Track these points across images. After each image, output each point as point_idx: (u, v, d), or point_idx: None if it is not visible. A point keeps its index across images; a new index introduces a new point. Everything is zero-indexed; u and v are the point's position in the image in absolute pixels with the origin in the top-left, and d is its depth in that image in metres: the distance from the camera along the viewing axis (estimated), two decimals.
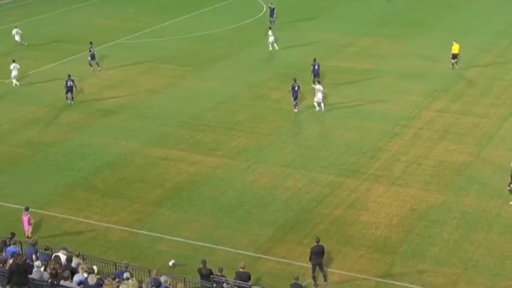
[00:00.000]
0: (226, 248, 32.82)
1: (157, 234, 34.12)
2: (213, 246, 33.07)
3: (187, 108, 49.13)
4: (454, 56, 55.03)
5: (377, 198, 36.98)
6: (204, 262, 28.68)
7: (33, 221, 33.92)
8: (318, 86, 47.44)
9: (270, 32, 61.55)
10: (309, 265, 30.40)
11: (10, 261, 26.28)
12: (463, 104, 49.04)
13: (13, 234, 29.74)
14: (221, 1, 79.66)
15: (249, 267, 28.97)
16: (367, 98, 50.26)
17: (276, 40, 61.26)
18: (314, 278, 30.33)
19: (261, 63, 58.12)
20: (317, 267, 30.28)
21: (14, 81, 54.17)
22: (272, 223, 34.94)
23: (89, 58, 57.66)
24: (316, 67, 52.06)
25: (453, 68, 55.17)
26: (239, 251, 32.52)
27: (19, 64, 54.74)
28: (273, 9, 68.52)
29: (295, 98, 48.14)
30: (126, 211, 36.32)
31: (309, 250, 30.61)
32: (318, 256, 30.20)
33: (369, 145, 42.82)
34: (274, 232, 34.17)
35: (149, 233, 34.35)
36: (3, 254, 27.72)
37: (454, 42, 55.30)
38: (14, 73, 54.17)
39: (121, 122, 47.65)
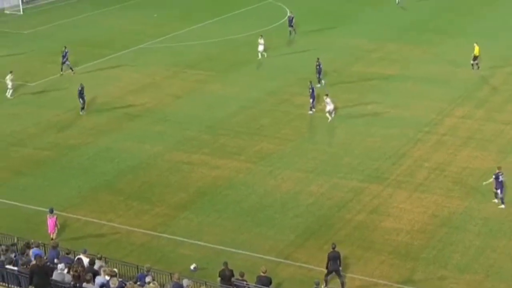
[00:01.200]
0: (247, 253, 32.97)
1: (180, 238, 34.32)
2: (234, 250, 33.20)
3: (210, 113, 49.33)
4: (475, 58, 55.07)
5: (399, 204, 36.97)
6: (225, 264, 28.88)
7: (58, 224, 34.22)
8: (327, 99, 47.01)
9: (261, 40, 60.39)
10: None
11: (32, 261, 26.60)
12: (487, 110, 48.84)
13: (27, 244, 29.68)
14: (245, 6, 79.83)
15: (270, 272, 29.07)
16: (391, 103, 50.25)
17: (265, 49, 60.49)
18: (326, 281, 30.47)
19: (284, 68, 58.18)
20: (334, 273, 30.38)
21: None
22: (294, 228, 35.04)
23: (63, 61, 57.79)
24: (321, 66, 53.16)
25: (472, 68, 55.11)
26: (261, 256, 32.64)
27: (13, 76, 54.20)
28: (292, 18, 67.60)
29: (313, 101, 48.89)
30: (149, 215, 36.55)
31: None
32: (334, 262, 30.30)
33: (392, 151, 42.79)
34: (295, 237, 34.27)
35: (172, 236, 34.55)
36: (26, 256, 27.93)
37: (475, 44, 55.38)
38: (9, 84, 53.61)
39: (145, 126, 47.93)
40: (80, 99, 49.33)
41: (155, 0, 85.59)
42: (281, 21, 72.88)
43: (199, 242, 33.43)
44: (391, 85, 54.14)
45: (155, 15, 77.53)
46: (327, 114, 47.04)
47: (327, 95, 47.36)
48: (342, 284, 30.51)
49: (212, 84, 55.47)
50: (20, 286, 26.14)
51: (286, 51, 62.95)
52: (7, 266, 26.58)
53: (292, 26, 67.17)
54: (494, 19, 72.99)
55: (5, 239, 30.90)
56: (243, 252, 32.94)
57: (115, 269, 27.67)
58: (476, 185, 38.52)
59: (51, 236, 33.74)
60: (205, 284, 27.84)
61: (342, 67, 58.33)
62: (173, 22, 74.41)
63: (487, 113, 48.38)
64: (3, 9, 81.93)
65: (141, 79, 56.91)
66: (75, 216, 36.32)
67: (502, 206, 36.35)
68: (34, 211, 37.10)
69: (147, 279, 26.39)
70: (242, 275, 28.01)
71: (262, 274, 28.13)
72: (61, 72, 57.64)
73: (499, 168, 36.83)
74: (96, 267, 27.03)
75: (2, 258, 27.31)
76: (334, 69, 57.71)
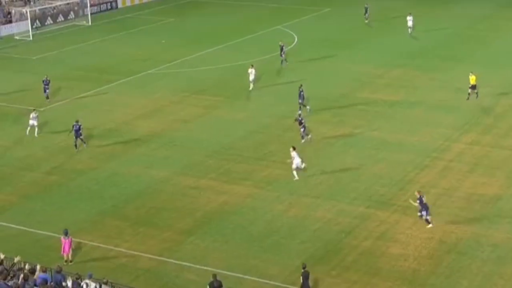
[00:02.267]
0: (254, 278, 32.91)
1: (186, 263, 34.27)
2: (241, 275, 33.15)
3: (218, 138, 49.45)
4: (473, 87, 54.96)
5: (406, 230, 36.89)
6: (214, 276, 29.41)
7: (73, 245, 34.48)
8: (293, 153, 42.68)
9: (250, 70, 59.42)
10: None
11: None
12: (494, 137, 48.84)
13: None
14: (254, 32, 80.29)
15: None
16: (398, 129, 50.32)
17: (255, 80, 59.66)
18: None
19: (292, 94, 58.18)
20: None
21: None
22: (301, 254, 34.96)
23: (46, 88, 57.78)
24: (302, 92, 53.40)
25: (468, 98, 54.93)
26: (268, 281, 32.60)
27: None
28: (283, 47, 66.75)
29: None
30: (156, 240, 36.55)
31: (338, 281, 30.94)
32: (307, 280, 30.88)
33: (399, 177, 42.78)
34: (302, 263, 34.09)
35: (178, 262, 34.50)
36: (32, 280, 27.92)
37: (470, 74, 55.30)
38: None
39: (153, 151, 48.05)
40: (77, 137, 47.55)
41: (164, 26, 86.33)
42: (290, 47, 73.22)
43: (205, 267, 33.34)
44: (397, 111, 54.23)
45: (163, 41, 78.01)
46: (294, 172, 42.60)
47: (294, 148, 43.02)
48: None
49: (220, 110, 55.65)
50: None
51: (293, 77, 63.00)
52: None
53: (282, 55, 66.48)
54: (501, 46, 73.27)
55: (12, 263, 30.83)
56: (250, 277, 32.88)
57: None
58: (483, 211, 38.49)
59: (65, 257, 33.99)
60: None
61: (349, 93, 58.50)
62: (181, 48, 74.83)
63: (494, 139, 48.37)
64: (13, 35, 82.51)
65: (148, 105, 57.13)
66: (82, 240, 36.28)
67: (430, 225, 36.83)
68: (43, 236, 37.16)
69: None
70: None
71: None
72: (48, 100, 57.59)
73: (419, 191, 37.32)
74: None
75: (10, 283, 27.29)
76: (341, 94, 57.93)
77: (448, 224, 37.30)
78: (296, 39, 76.85)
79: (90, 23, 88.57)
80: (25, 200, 41.49)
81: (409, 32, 75.63)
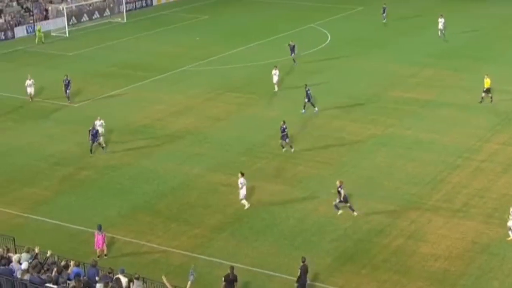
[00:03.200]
0: (284, 276, 32.99)
1: (217, 260, 34.52)
2: (271, 273, 33.31)
3: (250, 136, 49.69)
4: (487, 90, 54.18)
5: (437, 229, 36.84)
6: (232, 268, 29.69)
7: (107, 240, 34.93)
8: (241, 179, 39.47)
9: (274, 71, 58.56)
10: None
11: (72, 282, 26.94)
12: None
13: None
14: (287, 30, 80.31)
15: None
16: (429, 129, 50.18)
17: (279, 82, 59.01)
18: None
19: (323, 92, 58.33)
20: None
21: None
22: (331, 252, 35.09)
23: (67, 89, 57.58)
24: (309, 92, 53.29)
25: (481, 102, 54.38)
26: None
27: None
28: (293, 46, 66.72)
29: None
30: (187, 236, 36.86)
31: (367, 280, 31.23)
32: (305, 275, 31.13)
33: (431, 177, 42.70)
34: (332, 261, 34.32)
35: (209, 258, 34.79)
36: (66, 274, 28.32)
37: (485, 76, 54.55)
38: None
39: (186, 147, 48.41)
40: (94, 141, 47.19)
41: (198, 23, 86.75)
42: (323, 45, 73.34)
43: (236, 264, 33.29)
44: (429, 111, 54.05)
45: (197, 38, 78.37)
46: (244, 202, 39.92)
47: (242, 174, 39.72)
48: None
49: (253, 107, 55.87)
50: None
51: (325, 75, 63.20)
52: (48, 285, 26.97)
53: (293, 54, 66.51)
54: None
55: (46, 256, 31.32)
56: (280, 275, 33.01)
57: None
58: None
59: (98, 252, 34.43)
60: None
61: (381, 92, 58.43)
62: (215, 45, 75.15)
63: None
64: (49, 31, 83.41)
65: (182, 101, 57.52)
66: (114, 235, 36.69)
67: (354, 213, 38.18)
68: (75, 230, 37.67)
69: None
70: None
71: None
72: (69, 102, 57.52)
73: (340, 181, 38.38)
74: (134, 287, 27.32)
75: (44, 276, 27.73)
76: (373, 93, 57.89)
77: (480, 225, 37.19)
78: (329, 37, 76.83)
79: (125, 20, 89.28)
80: (59, 195, 42.03)
81: (440, 34, 74.83)
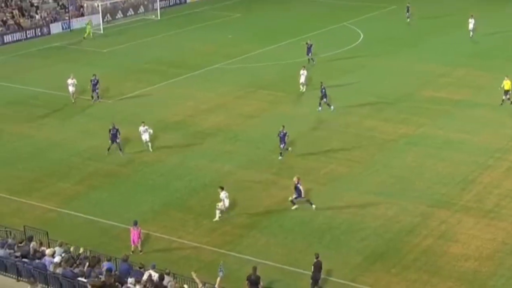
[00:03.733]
0: None
1: (246, 257, 34.75)
2: (301, 271, 33.43)
3: None
4: (506, 93, 53.64)
5: (467, 230, 36.79)
6: (254, 269, 29.71)
7: (142, 236, 35.33)
8: (222, 193, 38.26)
9: (302, 71, 58.04)
10: None
11: (103, 277, 27.30)
12: None
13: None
14: (320, 28, 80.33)
15: None
16: (461, 128, 50.03)
17: (306, 83, 58.25)
18: None
19: (355, 91, 58.40)
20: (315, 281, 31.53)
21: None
22: (360, 251, 35.19)
23: (94, 89, 57.31)
24: (324, 90, 53.56)
25: (502, 104, 53.89)
26: (327, 277, 32.79)
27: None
28: (311, 46, 66.43)
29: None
30: (218, 233, 37.15)
31: (397, 280, 31.50)
32: (318, 271, 31.29)
33: (461, 177, 42.60)
34: (362, 260, 34.40)
35: (239, 255, 35.03)
36: (97, 269, 28.70)
37: (506, 78, 54.00)
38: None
39: (217, 145, 48.71)
40: (113, 141, 47.01)
41: (230, 21, 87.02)
42: (355, 44, 73.29)
43: (265, 262, 33.71)
44: (461, 110, 53.87)
45: (230, 36, 78.64)
46: (217, 212, 38.53)
47: (222, 188, 38.52)
48: None
49: (283, 105, 56.00)
50: None
51: (357, 74, 63.22)
52: (80, 279, 27.38)
53: (309, 54, 66.25)
54: None
55: (78, 251, 31.76)
56: (310, 273, 32.87)
57: (185, 286, 28.17)
58: None
59: (133, 247, 34.80)
60: None
61: (413, 91, 58.33)
62: (247, 43, 75.39)
63: None
64: (84, 28, 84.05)
65: (214, 99, 57.85)
66: (146, 231, 37.01)
67: (295, 206, 38.92)
68: (107, 225, 38.14)
69: None
70: None
71: None
72: (93, 100, 57.36)
73: (298, 177, 38.96)
74: (164, 282, 27.62)
75: (76, 270, 28.15)
76: (405, 92, 57.79)
77: (511, 225, 37.06)
78: (361, 36, 76.72)
79: (159, 18, 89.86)
80: (91, 190, 42.54)
81: (470, 35, 74.26)
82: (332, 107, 53.83)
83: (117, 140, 47.01)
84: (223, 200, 38.09)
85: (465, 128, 50.10)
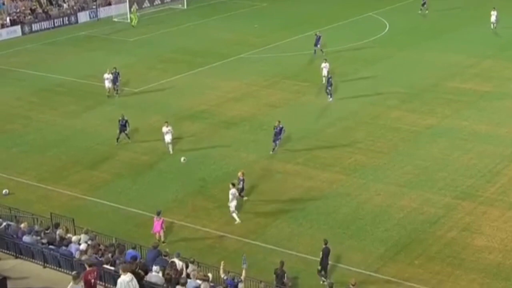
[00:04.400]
0: (337, 264, 33.22)
1: (271, 246, 34.88)
2: None
3: (306, 123, 49.86)
4: None
5: (492, 222, 36.65)
6: (282, 263, 29.66)
7: (165, 226, 35.44)
8: (232, 190, 37.56)
9: (324, 64, 57.02)
10: (418, 286, 31.29)
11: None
12: None
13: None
14: (346, 19, 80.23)
15: (360, 285, 29.19)
16: (487, 120, 49.78)
17: (329, 74, 55.86)
18: (322, 276, 31.72)
19: (381, 82, 58.27)
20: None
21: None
22: (384, 242, 35.18)
23: (110, 80, 56.35)
24: (331, 79, 54.06)
25: None
26: (350, 268, 32.89)
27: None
28: (319, 37, 66.34)
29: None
30: (242, 222, 37.22)
31: (420, 271, 31.53)
32: (326, 257, 31.47)
33: (487, 169, 42.41)
34: (386, 251, 34.40)
35: (263, 244, 35.16)
36: (123, 256, 28.94)
37: None
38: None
39: (242, 134, 48.85)
40: (122, 131, 47.22)
41: (257, 11, 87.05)
42: (381, 34, 73.05)
43: (290, 251, 33.80)
44: (487, 102, 53.55)
45: (256, 26, 78.66)
46: (234, 215, 37.62)
47: (233, 184, 37.84)
48: (326, 276, 31.74)
49: (309, 95, 55.99)
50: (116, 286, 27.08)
51: (383, 65, 63.08)
52: (105, 266, 27.62)
53: (318, 45, 66.18)
54: None
55: (104, 239, 32.10)
56: (333, 263, 33.11)
57: (210, 274, 28.35)
58: None
59: (157, 236, 34.94)
60: None
61: (438, 82, 58.09)
62: (273, 33, 75.41)
63: None
64: (111, 17, 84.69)
65: (239, 88, 57.96)
66: (170, 219, 37.29)
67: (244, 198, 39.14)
68: (132, 213, 38.41)
69: (240, 285, 26.89)
70: (331, 285, 28.26)
71: (351, 286, 28.29)
72: (116, 94, 56.82)
73: (242, 172, 39.15)
74: (189, 271, 27.77)
75: (101, 258, 28.39)
76: (431, 83, 57.59)
77: None
78: (387, 26, 76.44)
79: (185, 7, 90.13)
80: (117, 178, 42.86)
81: (492, 27, 73.61)
82: (331, 98, 53.97)
83: (126, 131, 47.26)
84: (232, 200, 37.24)
85: (491, 120, 49.84)
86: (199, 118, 51.78)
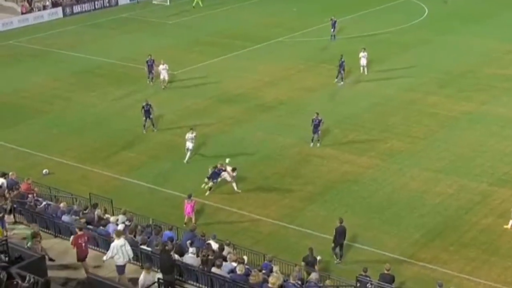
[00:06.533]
0: (372, 249, 33.36)
1: (306, 230, 35.06)
2: (359, 246, 33.69)
3: (342, 108, 49.89)
4: None
5: None
6: (311, 250, 29.71)
7: (196, 208, 35.73)
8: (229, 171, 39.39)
9: (363, 54, 56.25)
10: (453, 273, 31.27)
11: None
12: None
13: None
14: (384, 3, 79.70)
15: (394, 270, 29.19)
16: None
17: (368, 65, 56.50)
18: (335, 254, 32.15)
19: (419, 67, 57.98)
20: (338, 246, 32.04)
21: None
22: (419, 227, 35.19)
23: (150, 70, 55.78)
24: (343, 63, 53.85)
25: None
26: (385, 253, 33.00)
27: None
28: (335, 22, 66.23)
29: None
30: (277, 205, 37.52)
31: (455, 257, 31.58)
32: (341, 236, 31.69)
33: None
34: (420, 237, 34.43)
35: (298, 228, 35.34)
36: (160, 237, 29.33)
37: None
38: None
39: (278, 118, 48.99)
40: (147, 118, 46.90)
41: None
42: (420, 19, 72.59)
43: (324, 235, 33.82)
44: None
45: (295, 9, 78.54)
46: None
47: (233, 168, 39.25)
48: (341, 256, 32.13)
49: (346, 80, 55.67)
50: (153, 266, 27.45)
51: (421, 50, 62.79)
52: (142, 246, 28.02)
53: (334, 30, 66.14)
54: None
55: (141, 220, 32.54)
56: (368, 248, 33.36)
57: (245, 257, 28.64)
58: None
59: (186, 219, 35.18)
60: (328, 278, 28.53)
61: (476, 68, 57.72)
62: (311, 16, 75.23)
63: None
64: (151, 0, 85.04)
65: (276, 72, 58.04)
66: (207, 202, 37.69)
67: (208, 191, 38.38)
68: (169, 194, 38.78)
69: (274, 268, 27.17)
70: (365, 270, 28.31)
71: (385, 271, 28.44)
72: (149, 81, 56.02)
73: (221, 164, 38.51)
74: (224, 253, 28.08)
75: (138, 238, 28.81)
76: (468, 69, 57.19)
77: None
78: (426, 11, 75.87)
79: None
80: (155, 160, 43.26)
81: None
82: (342, 82, 54.06)
83: (150, 116, 46.93)
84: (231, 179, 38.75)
85: None
86: (236, 101, 52.00)
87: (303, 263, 29.12)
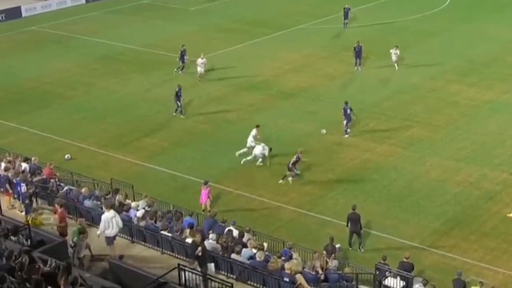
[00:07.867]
0: (392, 237, 33.36)
1: (326, 217, 35.13)
2: (379, 233, 33.71)
3: (363, 96, 49.79)
4: None
5: None
6: (331, 239, 29.83)
7: (211, 196, 35.71)
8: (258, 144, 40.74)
9: (395, 51, 54.81)
10: (473, 262, 31.16)
11: (187, 230, 28.09)
12: None
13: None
14: None
15: (413, 258, 29.29)
16: None
17: (399, 62, 55.22)
18: (350, 244, 32.18)
19: (440, 55, 57.74)
20: (354, 234, 32.10)
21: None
22: (439, 216, 35.17)
23: (183, 60, 55.22)
24: (358, 49, 54.01)
25: None
26: (404, 241, 33.00)
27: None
28: (348, 10, 66.05)
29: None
30: (298, 193, 37.60)
31: (475, 246, 31.52)
32: (354, 223, 31.84)
33: None
34: (440, 225, 34.41)
35: (318, 215, 35.43)
36: (180, 223, 29.57)
37: None
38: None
39: (299, 105, 49.02)
40: (177, 101, 47.09)
41: None
42: (442, 7, 72.20)
43: (344, 223, 33.62)
44: None
45: None
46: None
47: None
48: (360, 244, 32.10)
49: (367, 68, 55.65)
50: (173, 252, 27.74)
51: (442, 38, 62.48)
52: (162, 232, 28.22)
53: (347, 19, 65.98)
54: None
55: (162, 206, 32.77)
56: (388, 236, 33.39)
57: (265, 243, 28.77)
58: None
59: (203, 206, 35.25)
60: (347, 265, 28.64)
61: (499, 57, 57.44)
62: (333, 4, 74.76)
63: None
64: None
65: (297, 59, 58.03)
66: (227, 188, 37.85)
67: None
68: (190, 181, 38.92)
69: (294, 255, 27.30)
70: (384, 258, 28.40)
71: (405, 259, 28.51)
72: (179, 70, 55.42)
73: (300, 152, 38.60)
74: (244, 239, 28.23)
75: (158, 224, 29.01)
76: (491, 57, 56.86)
77: None
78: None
79: None
80: (176, 146, 43.46)
81: None
82: (358, 68, 54.56)
83: (179, 103, 47.01)
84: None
85: None
86: (257, 88, 52.08)
87: (324, 252, 29.13)
